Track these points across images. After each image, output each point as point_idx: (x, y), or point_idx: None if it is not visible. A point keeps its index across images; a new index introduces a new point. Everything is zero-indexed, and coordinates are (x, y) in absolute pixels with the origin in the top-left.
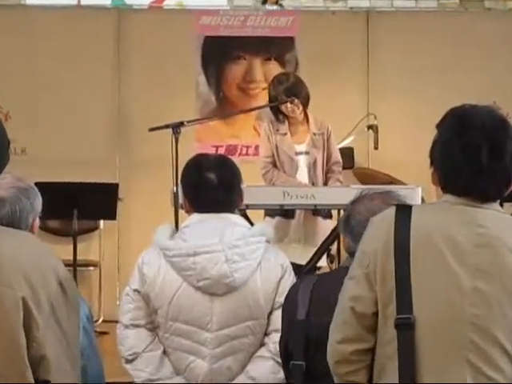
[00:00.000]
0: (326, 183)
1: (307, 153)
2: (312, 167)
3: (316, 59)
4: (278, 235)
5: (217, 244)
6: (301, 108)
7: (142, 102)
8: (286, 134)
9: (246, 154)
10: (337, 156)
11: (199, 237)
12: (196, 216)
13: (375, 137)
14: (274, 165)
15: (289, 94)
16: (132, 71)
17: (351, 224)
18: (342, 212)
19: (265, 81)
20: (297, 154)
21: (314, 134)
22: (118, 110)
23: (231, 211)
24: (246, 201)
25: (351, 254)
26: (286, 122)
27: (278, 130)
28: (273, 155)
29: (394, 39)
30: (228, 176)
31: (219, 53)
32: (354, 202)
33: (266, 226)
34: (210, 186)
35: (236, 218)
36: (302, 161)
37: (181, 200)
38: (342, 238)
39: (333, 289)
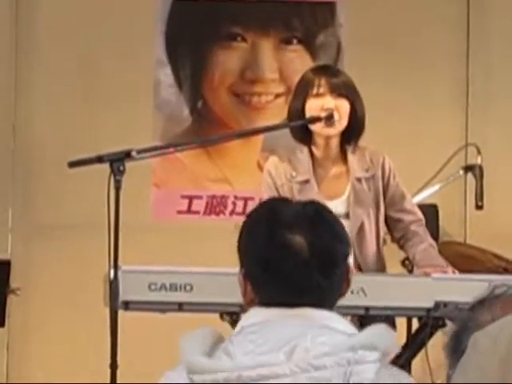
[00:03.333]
0: (381, 259)
1: (346, 215)
2: (357, 240)
3: (373, 45)
4: None
5: (281, 363)
6: (343, 123)
7: (56, 115)
8: (307, 181)
9: (243, 213)
10: (413, 209)
11: (253, 350)
12: (259, 312)
13: (478, 187)
14: None
15: (336, 92)
16: (37, 60)
17: (466, 344)
18: (415, 321)
19: (280, 80)
20: None
21: (359, 179)
22: (12, 131)
23: (330, 304)
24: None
25: None
26: (309, 159)
27: (293, 176)
28: None
29: None
30: (327, 239)
31: (199, 28)
32: (476, 306)
33: (384, 331)
34: (295, 258)
35: (328, 317)
36: None
37: (122, 293)
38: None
39: None
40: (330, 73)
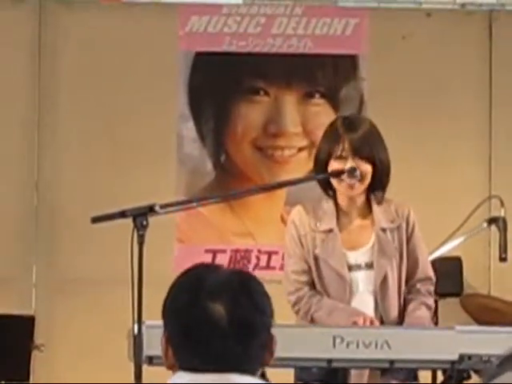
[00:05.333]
0: (403, 311)
1: (370, 265)
2: (379, 292)
3: (396, 98)
4: None
5: None
6: (365, 183)
7: (79, 171)
8: (331, 230)
9: (268, 267)
10: (425, 267)
11: None
12: (183, 377)
13: (502, 239)
14: (312, 286)
15: (358, 155)
16: (60, 116)
17: None
18: (439, 373)
19: (303, 133)
20: (351, 268)
21: (384, 229)
22: (35, 187)
23: (250, 372)
24: None
25: None
26: (333, 209)
27: (317, 226)
28: (309, 270)
29: None
30: (247, 310)
31: (221, 82)
32: (504, 362)
33: None
34: (214, 326)
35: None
36: (362, 280)
37: (147, 348)
38: None
39: None
40: (353, 129)
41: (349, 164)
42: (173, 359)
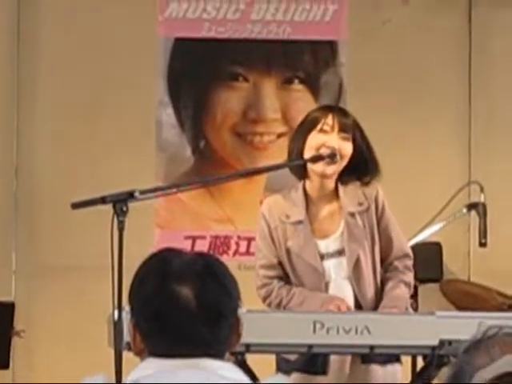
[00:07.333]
0: (381, 292)
1: (341, 252)
2: (353, 276)
3: (375, 83)
4: None
5: None
6: (341, 165)
7: (58, 157)
8: (301, 222)
9: (247, 253)
10: (400, 244)
11: None
12: (153, 363)
13: (481, 224)
14: (282, 280)
15: (341, 131)
16: (39, 101)
17: None
18: (420, 359)
19: (282, 119)
20: (323, 256)
21: (352, 214)
22: (14, 173)
23: (218, 356)
24: (246, 338)
25: None
26: (303, 199)
27: (287, 216)
28: (278, 264)
29: None
30: (214, 293)
31: (200, 69)
32: (470, 349)
33: (280, 382)
34: (182, 310)
35: (225, 368)
36: (334, 267)
37: (127, 334)
38: None
39: None
40: (339, 112)
41: (330, 140)
42: (141, 345)
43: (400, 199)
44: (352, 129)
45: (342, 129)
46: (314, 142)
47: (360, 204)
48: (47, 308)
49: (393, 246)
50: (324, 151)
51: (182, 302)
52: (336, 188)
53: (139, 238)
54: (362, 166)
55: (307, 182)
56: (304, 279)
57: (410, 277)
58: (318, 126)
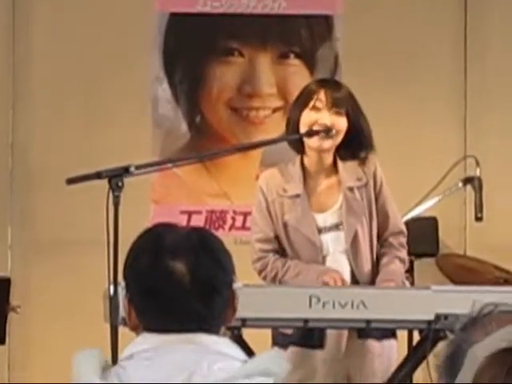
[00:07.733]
0: (376, 266)
1: (339, 226)
2: (351, 250)
3: (371, 58)
4: (295, 376)
5: None
6: (337, 140)
7: (54, 133)
8: (298, 195)
9: (243, 228)
10: (396, 221)
11: (150, 376)
12: (148, 338)
13: (477, 199)
14: (278, 254)
15: (334, 107)
16: (35, 78)
17: (461, 366)
18: (416, 333)
19: (278, 94)
20: (321, 230)
21: (351, 188)
22: (10, 149)
23: (213, 331)
24: (242, 313)
25: None
26: (300, 172)
27: (285, 190)
28: (275, 238)
29: None
30: (209, 267)
31: (196, 43)
32: (467, 326)
33: (275, 356)
34: (176, 285)
35: (221, 343)
36: (331, 241)
37: (123, 309)
38: None
39: None
40: (332, 87)
41: (322, 118)
42: (136, 320)
43: (395, 173)
44: (345, 103)
45: (335, 104)
46: (307, 119)
47: (359, 179)
48: (43, 283)
49: (389, 223)
50: (317, 129)
51: (175, 276)
52: (334, 163)
53: (135, 213)
54: (356, 140)
55: (305, 157)
56: (301, 253)
57: (404, 253)
58: (311, 103)
